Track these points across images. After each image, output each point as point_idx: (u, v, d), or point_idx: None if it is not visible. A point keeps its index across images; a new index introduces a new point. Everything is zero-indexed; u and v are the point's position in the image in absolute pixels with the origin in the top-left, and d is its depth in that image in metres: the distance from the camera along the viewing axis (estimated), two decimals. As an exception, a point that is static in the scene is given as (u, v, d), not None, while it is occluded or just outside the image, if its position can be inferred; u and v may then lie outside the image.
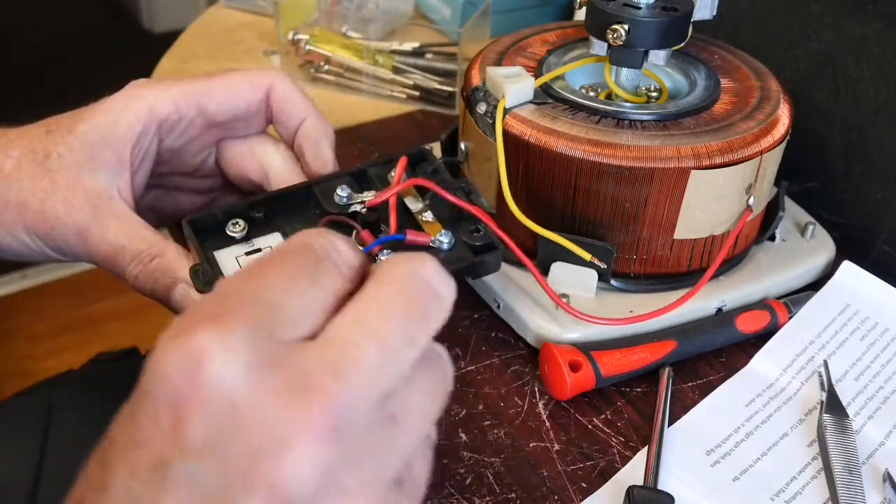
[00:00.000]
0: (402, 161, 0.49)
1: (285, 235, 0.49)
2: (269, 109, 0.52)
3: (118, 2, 2.69)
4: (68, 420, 0.57)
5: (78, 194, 0.47)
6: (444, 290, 0.29)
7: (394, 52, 0.82)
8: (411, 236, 0.46)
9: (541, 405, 0.51)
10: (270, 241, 0.49)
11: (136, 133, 0.48)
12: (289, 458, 0.24)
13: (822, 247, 0.61)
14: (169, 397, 0.25)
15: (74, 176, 0.47)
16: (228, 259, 0.48)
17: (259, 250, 0.48)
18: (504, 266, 0.50)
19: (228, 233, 0.48)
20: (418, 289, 0.28)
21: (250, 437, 0.24)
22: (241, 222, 0.49)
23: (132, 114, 0.48)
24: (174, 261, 0.46)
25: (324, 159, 0.52)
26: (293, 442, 0.24)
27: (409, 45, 0.83)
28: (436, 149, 0.67)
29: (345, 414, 0.25)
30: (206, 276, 0.45)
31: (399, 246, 0.46)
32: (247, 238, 0.49)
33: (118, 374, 0.64)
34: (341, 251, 0.29)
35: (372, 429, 0.26)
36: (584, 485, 0.47)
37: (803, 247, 0.61)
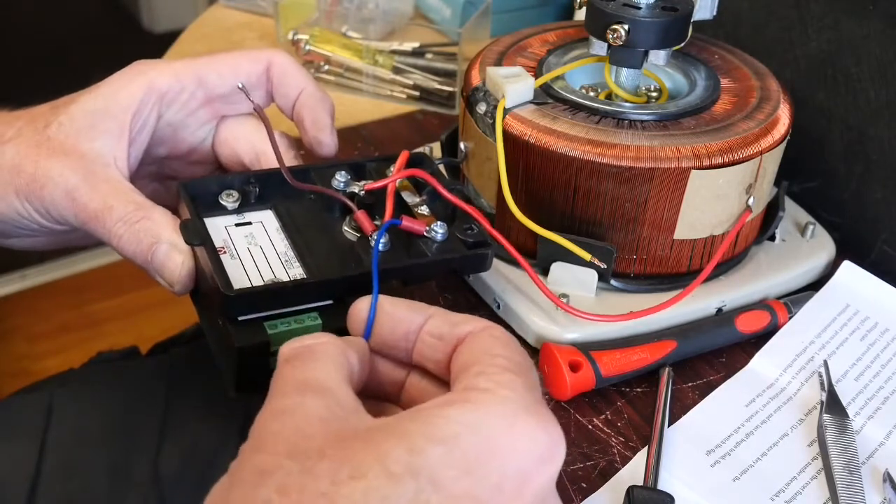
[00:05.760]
0: (404, 154, 0.50)
1: (277, 213, 0.49)
2: (270, 83, 0.53)
3: (118, 2, 2.69)
4: (68, 420, 0.57)
5: (73, 157, 0.47)
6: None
7: (394, 52, 0.82)
8: (407, 222, 0.47)
9: (541, 405, 0.51)
10: (261, 216, 0.49)
11: (137, 101, 0.49)
12: None
13: (822, 247, 0.61)
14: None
15: (73, 142, 0.48)
16: (218, 228, 0.48)
17: (249, 223, 0.49)
18: (504, 266, 0.51)
19: (221, 202, 0.49)
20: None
21: None
22: (235, 193, 0.49)
23: (135, 85, 0.49)
24: (160, 222, 0.46)
25: (321, 125, 0.53)
26: None
27: (409, 45, 0.83)
28: (436, 149, 0.67)
29: None
30: (195, 229, 0.45)
31: (394, 230, 0.47)
32: (238, 210, 0.49)
33: (118, 374, 0.64)
34: None
35: None
36: (584, 485, 0.47)
37: (803, 247, 0.61)
